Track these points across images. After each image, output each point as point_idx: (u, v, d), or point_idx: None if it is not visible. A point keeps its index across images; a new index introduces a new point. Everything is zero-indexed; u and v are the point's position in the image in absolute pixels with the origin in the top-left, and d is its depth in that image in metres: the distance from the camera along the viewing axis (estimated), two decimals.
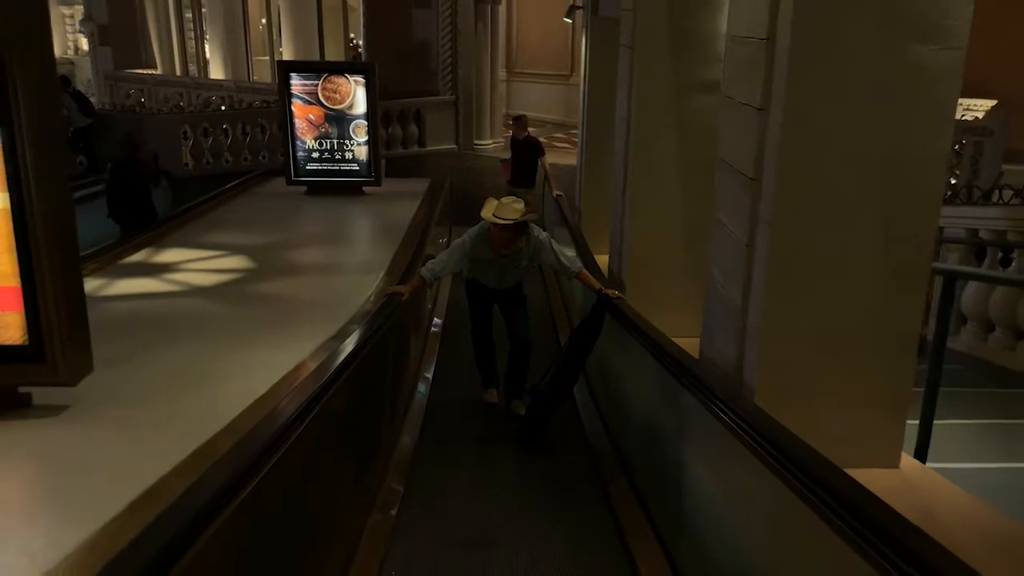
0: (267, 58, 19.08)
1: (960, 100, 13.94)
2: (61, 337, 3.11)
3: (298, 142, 9.99)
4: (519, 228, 5.09)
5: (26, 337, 3.13)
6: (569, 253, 6.38)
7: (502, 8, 17.34)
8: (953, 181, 13.64)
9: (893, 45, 3.27)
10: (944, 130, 3.41)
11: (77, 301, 3.18)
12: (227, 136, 14.27)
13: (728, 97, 4.02)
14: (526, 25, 19.41)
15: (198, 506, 2.04)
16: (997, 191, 9.92)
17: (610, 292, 5.21)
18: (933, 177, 3.45)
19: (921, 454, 4.15)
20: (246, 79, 18.24)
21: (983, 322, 6.71)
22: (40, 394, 3.32)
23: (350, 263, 7.56)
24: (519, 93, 19.49)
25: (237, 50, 18.47)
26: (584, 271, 5.42)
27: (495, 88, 16.54)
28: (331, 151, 10.01)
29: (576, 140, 12.61)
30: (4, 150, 2.93)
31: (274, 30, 18.82)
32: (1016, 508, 3.80)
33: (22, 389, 3.29)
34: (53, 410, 3.27)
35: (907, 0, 3.23)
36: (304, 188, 10.09)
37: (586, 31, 9.49)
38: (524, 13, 19.37)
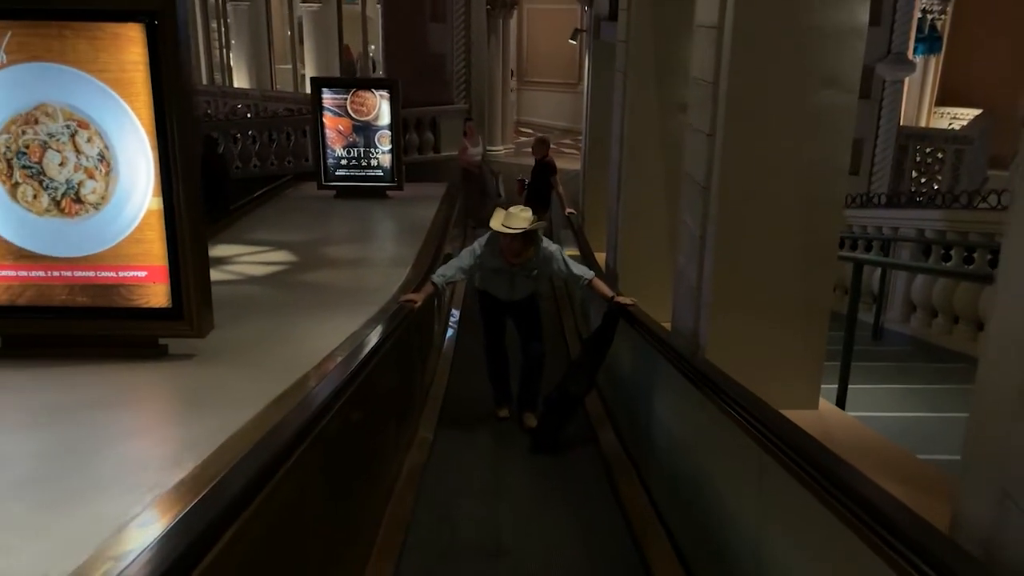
0: (289, 66, 20.44)
1: (947, 109, 15.42)
2: (195, 301, 4.41)
3: (328, 150, 11.33)
4: (528, 237, 5.22)
5: (170, 301, 4.43)
6: (572, 253, 7.53)
7: (513, 21, 18.67)
8: (936, 186, 14.87)
9: (803, 89, 4.51)
10: (843, 151, 4.66)
11: (205, 276, 4.48)
12: (255, 142, 15.58)
13: (690, 124, 5.28)
14: (535, 36, 20.76)
15: (317, 403, 3.27)
16: (979, 196, 11.02)
17: (623, 299, 5.30)
18: (835, 186, 4.69)
19: (841, 403, 5.39)
20: (270, 87, 19.60)
21: (928, 310, 7.94)
22: (173, 346, 4.62)
23: (380, 257, 8.88)
24: (529, 101, 20.79)
25: (261, 59, 19.83)
26: (596, 280, 5.46)
27: (506, 96, 17.88)
28: (358, 158, 11.34)
29: (581, 147, 13.88)
30: (160, 165, 4.23)
31: (295, 39, 20.19)
32: (908, 442, 5.02)
33: (162, 341, 4.59)
34: (185, 357, 4.58)
35: (813, 56, 4.48)
36: (334, 192, 11.43)
37: (589, 52, 10.79)
38: (534, 25, 20.71)
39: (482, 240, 5.44)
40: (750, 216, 4.69)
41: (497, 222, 5.23)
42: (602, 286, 5.45)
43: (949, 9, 17.03)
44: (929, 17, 16.51)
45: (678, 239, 5.58)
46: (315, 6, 18.62)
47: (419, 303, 5.24)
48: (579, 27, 13.08)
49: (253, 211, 10.56)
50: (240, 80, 20.10)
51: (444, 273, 5.42)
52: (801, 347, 4.90)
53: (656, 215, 7.49)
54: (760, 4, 4.39)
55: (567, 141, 18.74)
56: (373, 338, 4.47)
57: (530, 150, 11.39)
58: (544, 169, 10.59)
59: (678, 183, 6.97)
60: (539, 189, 10.61)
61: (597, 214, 10.38)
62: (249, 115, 17.81)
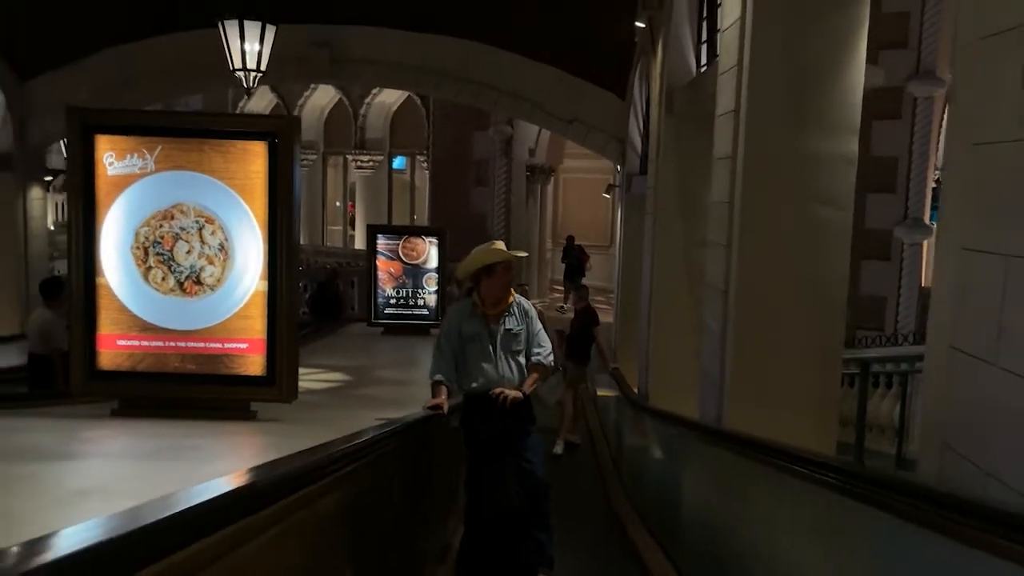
0: (339, 228, 22.16)
1: None
2: (286, 370, 5.24)
3: (379, 290, 12.42)
4: (510, 270, 4.63)
5: (264, 371, 5.26)
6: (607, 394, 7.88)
7: (550, 187, 20.32)
8: None
9: (804, 207, 5.43)
10: (841, 259, 5.50)
11: (295, 351, 5.34)
12: (306, 291, 16.78)
13: (711, 240, 6.20)
14: (570, 201, 22.41)
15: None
16: None
17: (514, 394, 4.44)
18: (837, 290, 5.50)
19: None
20: (321, 243, 21.21)
21: None
22: (261, 412, 5.40)
23: (422, 379, 9.63)
24: None
25: (314, 219, 21.57)
26: (542, 368, 4.67)
27: (543, 255, 19.17)
28: (406, 298, 12.40)
29: (612, 303, 14.89)
30: (268, 255, 5.20)
31: (345, 204, 22.02)
32: None
33: (252, 407, 5.38)
34: (272, 420, 5.35)
35: (812, 179, 5.42)
36: (382, 329, 12.40)
37: (621, 205, 12.00)
38: (569, 191, 22.41)
39: (449, 313, 4.85)
40: (764, 314, 5.48)
41: (480, 260, 4.51)
42: (534, 378, 4.61)
43: None
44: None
45: (702, 343, 6.36)
46: (368, 172, 20.48)
47: (446, 407, 4.57)
48: (612, 183, 14.45)
49: (307, 344, 11.50)
50: None
51: (438, 367, 4.61)
52: (812, 434, 5.53)
53: (682, 338, 8.29)
54: (765, 138, 5.39)
55: (600, 298, 19.83)
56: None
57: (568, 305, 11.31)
58: (585, 319, 9.82)
59: (700, 309, 7.84)
60: (580, 340, 9.80)
61: (629, 353, 11.20)
62: (300, 267, 19.24)
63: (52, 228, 14.93)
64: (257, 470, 2.22)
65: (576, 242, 19.84)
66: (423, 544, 4.50)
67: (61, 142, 13.50)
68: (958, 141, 2.74)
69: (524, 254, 5.01)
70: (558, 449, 9.29)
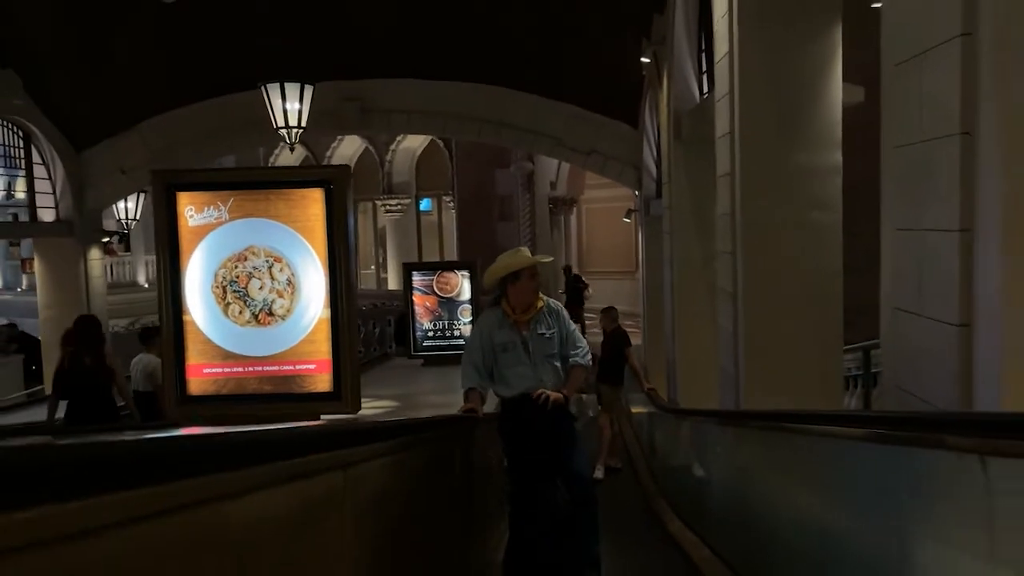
0: (370, 271, 23.13)
1: None
2: (351, 386, 6.06)
3: (417, 324, 13.26)
4: (536, 275, 4.63)
5: (331, 387, 6.08)
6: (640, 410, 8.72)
7: (573, 217, 21.17)
8: None
9: (799, 212, 6.18)
10: (835, 257, 6.23)
11: (357, 368, 6.16)
12: (390, 325, 17.63)
13: (720, 249, 6.96)
14: (593, 229, 23.21)
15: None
16: None
17: (555, 395, 4.48)
18: (833, 285, 6.22)
19: None
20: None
21: None
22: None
23: (461, 402, 10.46)
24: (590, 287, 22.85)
25: None
26: (580, 370, 4.74)
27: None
28: (443, 330, 13.23)
29: (639, 326, 15.57)
30: (330, 285, 6.05)
31: (378, 247, 23.01)
32: None
33: (322, 420, 6.20)
34: None
35: (803, 188, 6.17)
36: (421, 361, 13.22)
37: (641, 227, 12.80)
38: (591, 220, 23.23)
39: (479, 322, 4.92)
40: (769, 311, 6.22)
41: (506, 266, 4.57)
42: (575, 380, 4.73)
43: None
44: None
45: (719, 343, 7.10)
46: (396, 215, 21.49)
47: (480, 410, 4.61)
48: (632, 207, 15.27)
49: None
50: None
51: (467, 373, 4.66)
52: None
53: (705, 344, 9.01)
54: (758, 154, 6.17)
55: (628, 322, 20.50)
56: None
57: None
58: (616, 340, 9.82)
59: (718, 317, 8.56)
60: (612, 363, 9.80)
61: (659, 371, 11.91)
62: (377, 306, 20.17)
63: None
64: (386, 420, 3.05)
65: (574, 271, 20.20)
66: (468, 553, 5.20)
67: (113, 206, 14.64)
68: (887, 145, 3.50)
69: (550, 258, 5.59)
70: (598, 474, 9.44)
